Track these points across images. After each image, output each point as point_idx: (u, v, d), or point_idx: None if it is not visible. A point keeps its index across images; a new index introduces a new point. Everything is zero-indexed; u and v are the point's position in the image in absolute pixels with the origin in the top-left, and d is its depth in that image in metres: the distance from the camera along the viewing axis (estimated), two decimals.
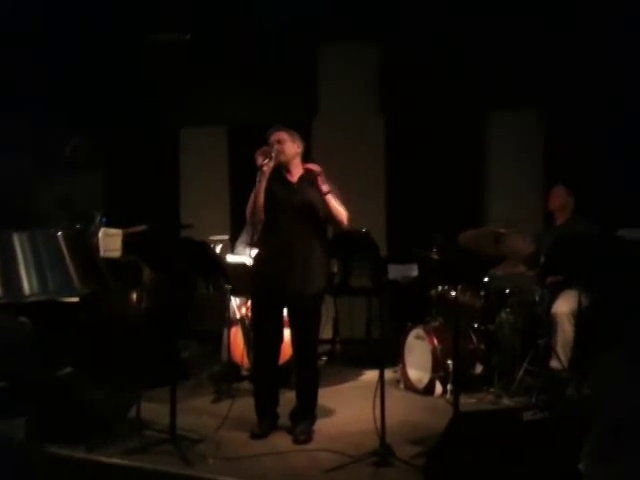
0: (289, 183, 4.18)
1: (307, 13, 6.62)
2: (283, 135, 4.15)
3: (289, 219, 4.09)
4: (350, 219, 4.18)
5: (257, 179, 4.03)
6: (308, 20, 6.64)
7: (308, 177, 4.17)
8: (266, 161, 4.00)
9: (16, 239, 2.74)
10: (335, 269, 5.65)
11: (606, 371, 2.80)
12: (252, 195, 4.07)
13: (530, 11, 6.11)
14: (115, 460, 3.70)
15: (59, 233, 2.87)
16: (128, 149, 7.13)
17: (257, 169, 4.02)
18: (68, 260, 2.79)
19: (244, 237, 5.62)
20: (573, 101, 6.11)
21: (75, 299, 4.03)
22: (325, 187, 4.08)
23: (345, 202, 4.20)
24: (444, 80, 6.43)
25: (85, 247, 3.29)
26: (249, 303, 5.23)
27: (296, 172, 4.20)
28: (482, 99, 6.47)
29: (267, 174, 4.04)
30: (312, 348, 4.24)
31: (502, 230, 4.85)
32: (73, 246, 2.82)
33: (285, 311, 4.23)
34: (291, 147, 4.16)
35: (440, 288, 5.22)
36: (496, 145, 6.65)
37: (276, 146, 4.10)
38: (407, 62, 6.60)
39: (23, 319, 4.09)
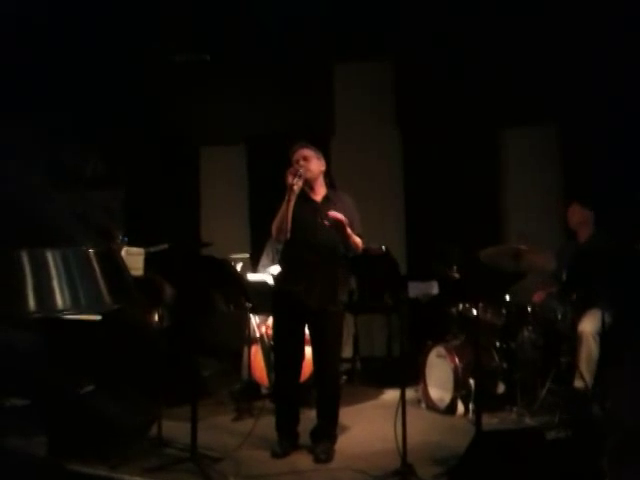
0: (313, 202, 4.18)
1: (323, 31, 6.68)
2: (309, 152, 4.16)
3: (312, 238, 4.09)
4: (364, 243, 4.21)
5: (286, 197, 4.02)
6: (324, 38, 6.69)
7: (332, 197, 4.18)
8: (296, 180, 4.00)
9: (50, 256, 2.82)
10: (354, 286, 5.64)
11: (621, 386, 2.78)
12: (279, 213, 4.07)
13: (544, 28, 6.11)
14: (136, 478, 3.70)
15: (91, 250, 2.95)
16: (148, 167, 7.21)
17: (286, 188, 4.01)
18: (99, 276, 2.87)
19: (264, 261, 5.65)
20: (590, 115, 6.07)
21: (97, 317, 4.07)
22: (350, 232, 4.08)
23: (364, 220, 4.22)
24: (460, 95, 6.42)
25: (115, 264, 3.34)
26: (269, 321, 5.24)
27: (320, 191, 4.20)
28: (499, 114, 6.46)
29: (296, 193, 4.04)
30: (334, 367, 4.23)
31: (522, 247, 4.82)
32: (104, 263, 2.90)
33: (307, 329, 4.23)
34: (316, 164, 4.17)
35: (461, 306, 5.18)
36: (514, 160, 6.63)
37: (302, 163, 4.11)
38: (423, 78, 6.61)
39: (46, 337, 4.12)
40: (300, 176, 4.01)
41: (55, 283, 2.76)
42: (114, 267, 3.06)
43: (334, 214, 4.03)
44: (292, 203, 4.04)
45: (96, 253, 2.81)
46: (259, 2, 6.67)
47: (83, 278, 2.83)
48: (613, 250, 4.83)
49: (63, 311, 2.77)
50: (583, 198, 5.45)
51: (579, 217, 5.35)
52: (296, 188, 4.01)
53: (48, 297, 2.73)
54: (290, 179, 4.00)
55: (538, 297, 5.31)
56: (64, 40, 6.50)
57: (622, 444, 2.42)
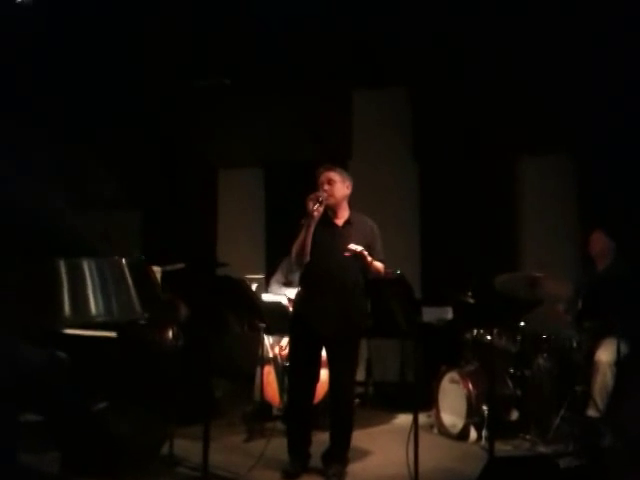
0: (335, 226, 4.18)
1: (341, 58, 6.75)
2: (334, 176, 4.14)
3: (331, 262, 4.10)
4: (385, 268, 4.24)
5: (306, 223, 4.03)
6: (342, 65, 6.77)
7: (353, 221, 4.18)
8: (316, 206, 3.99)
9: (85, 265, 2.92)
10: (369, 310, 5.64)
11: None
12: (299, 238, 4.08)
13: (562, 56, 6.14)
14: None
15: (123, 260, 3.05)
16: (166, 188, 7.29)
17: (307, 213, 4.01)
18: (131, 286, 2.96)
19: (278, 276, 5.67)
20: (606, 144, 6.08)
21: (112, 334, 4.11)
22: (371, 260, 4.10)
23: (382, 243, 4.25)
24: (476, 125, 6.46)
25: (146, 275, 3.41)
26: (282, 342, 5.25)
27: (342, 215, 4.19)
28: (515, 144, 6.48)
29: (316, 219, 4.04)
30: (349, 390, 4.23)
31: (538, 274, 4.82)
32: (135, 273, 2.99)
33: (323, 352, 4.23)
34: (340, 189, 4.15)
35: (475, 332, 5.16)
36: (529, 189, 6.63)
37: (325, 187, 4.11)
38: (439, 107, 6.65)
39: (61, 353, 4.16)
40: (321, 202, 4.01)
41: (90, 291, 2.85)
42: (145, 278, 3.15)
43: (353, 247, 4.03)
44: (312, 229, 4.04)
45: (128, 263, 2.90)
46: (278, 28, 6.76)
47: (116, 287, 2.92)
48: (631, 280, 4.81)
49: (96, 317, 2.85)
50: (607, 227, 5.43)
51: (602, 245, 5.31)
52: (316, 214, 4.01)
53: (83, 304, 2.82)
54: (310, 205, 3.99)
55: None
56: (88, 63, 6.63)
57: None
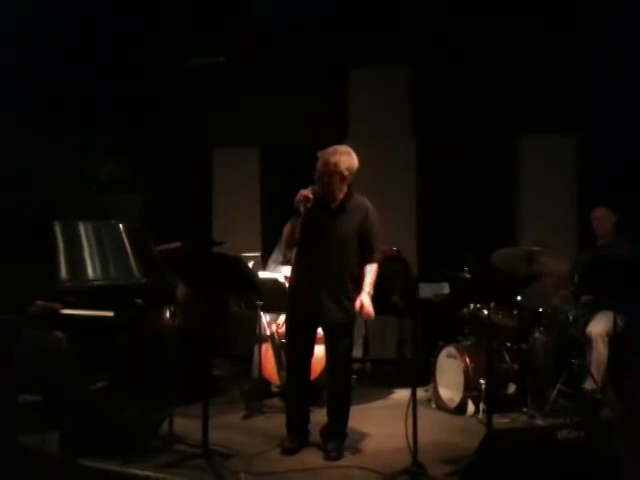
0: (328, 209, 4.15)
1: (338, 35, 6.71)
2: (329, 166, 4.05)
3: (324, 246, 4.09)
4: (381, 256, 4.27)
5: (295, 215, 4.02)
6: (339, 42, 6.72)
7: (348, 205, 4.14)
8: (303, 203, 3.98)
9: (82, 228, 2.90)
10: None
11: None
12: (289, 225, 4.09)
13: (565, 35, 6.11)
14: (148, 473, 3.71)
15: (120, 225, 3.02)
16: (163, 169, 7.26)
17: (295, 208, 4.00)
18: (129, 250, 2.94)
19: (276, 255, 5.66)
20: (607, 123, 6.06)
21: (110, 313, 4.10)
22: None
23: (380, 225, 4.24)
24: (476, 102, 6.43)
25: (144, 241, 3.39)
26: (280, 320, 5.25)
27: (338, 198, 4.14)
28: (514, 121, 6.46)
29: (303, 215, 4.02)
30: (345, 366, 4.23)
31: (536, 249, 4.82)
32: (133, 238, 2.97)
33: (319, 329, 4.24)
34: (334, 180, 4.06)
35: (472, 307, 5.18)
36: (528, 167, 6.61)
37: (318, 177, 4.07)
38: (438, 84, 6.63)
39: (59, 334, 4.16)
40: (308, 200, 3.99)
41: (86, 254, 2.83)
42: (143, 243, 3.14)
43: (367, 314, 4.11)
44: (299, 221, 4.05)
45: (126, 228, 2.89)
46: (275, 7, 6.71)
47: (113, 250, 2.90)
48: (632, 258, 4.81)
49: (94, 281, 2.84)
50: (612, 203, 5.43)
51: (608, 221, 5.32)
52: (303, 210, 4.00)
53: (80, 267, 2.80)
54: (296, 204, 3.99)
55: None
56: (81, 51, 6.60)
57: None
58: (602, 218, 5.36)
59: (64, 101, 6.47)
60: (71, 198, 5.61)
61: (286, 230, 4.17)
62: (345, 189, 4.15)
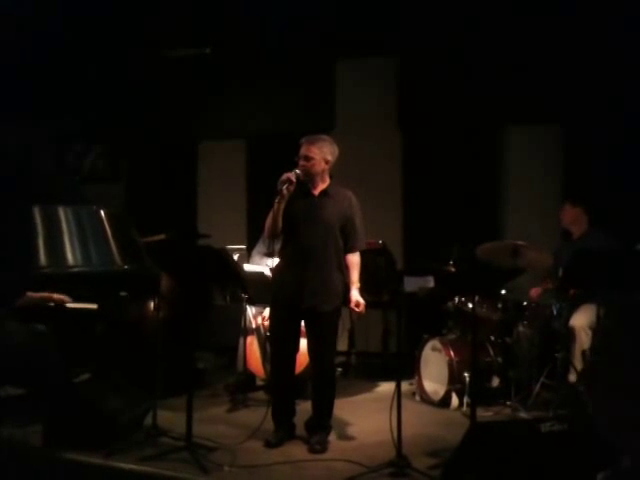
0: (311, 196, 4.15)
1: (325, 27, 6.68)
2: (312, 151, 4.08)
3: (308, 232, 4.08)
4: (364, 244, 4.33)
5: (276, 200, 4.01)
6: (325, 35, 6.70)
7: (330, 192, 4.16)
8: (285, 186, 3.97)
9: (61, 212, 2.84)
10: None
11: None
12: (271, 213, 4.06)
13: (547, 29, 6.12)
14: (132, 466, 3.70)
15: (101, 210, 2.97)
16: (147, 162, 7.22)
17: (276, 192, 4.00)
18: (110, 237, 2.89)
19: (260, 247, 5.64)
20: (591, 116, 6.09)
21: (94, 306, 4.07)
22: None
23: (362, 215, 4.24)
24: (461, 95, 6.43)
25: (126, 228, 3.33)
26: (265, 312, 5.24)
27: (320, 186, 4.16)
28: (499, 114, 6.47)
29: (286, 197, 4.01)
30: (329, 359, 4.22)
31: (520, 243, 4.84)
32: (114, 224, 2.92)
33: (302, 322, 4.23)
34: (317, 165, 4.08)
35: (457, 300, 5.19)
36: (513, 160, 6.62)
37: (302, 162, 4.08)
38: (424, 77, 6.62)
39: (40, 326, 4.12)
40: (291, 182, 3.99)
41: (66, 239, 2.77)
42: (125, 230, 3.08)
43: (360, 311, 4.21)
44: (282, 206, 4.03)
45: (107, 214, 2.84)
46: None
47: (94, 236, 2.84)
48: (610, 249, 4.84)
49: (74, 267, 2.79)
50: (572, 197, 5.52)
51: (570, 216, 5.42)
52: (285, 193, 3.99)
53: (59, 252, 2.74)
54: (279, 185, 3.98)
55: (535, 293, 5.34)
56: (64, 39, 6.54)
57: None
58: (563, 213, 5.45)
59: (46, 90, 6.41)
60: (53, 189, 5.55)
61: (268, 219, 4.14)
62: (327, 178, 4.18)
